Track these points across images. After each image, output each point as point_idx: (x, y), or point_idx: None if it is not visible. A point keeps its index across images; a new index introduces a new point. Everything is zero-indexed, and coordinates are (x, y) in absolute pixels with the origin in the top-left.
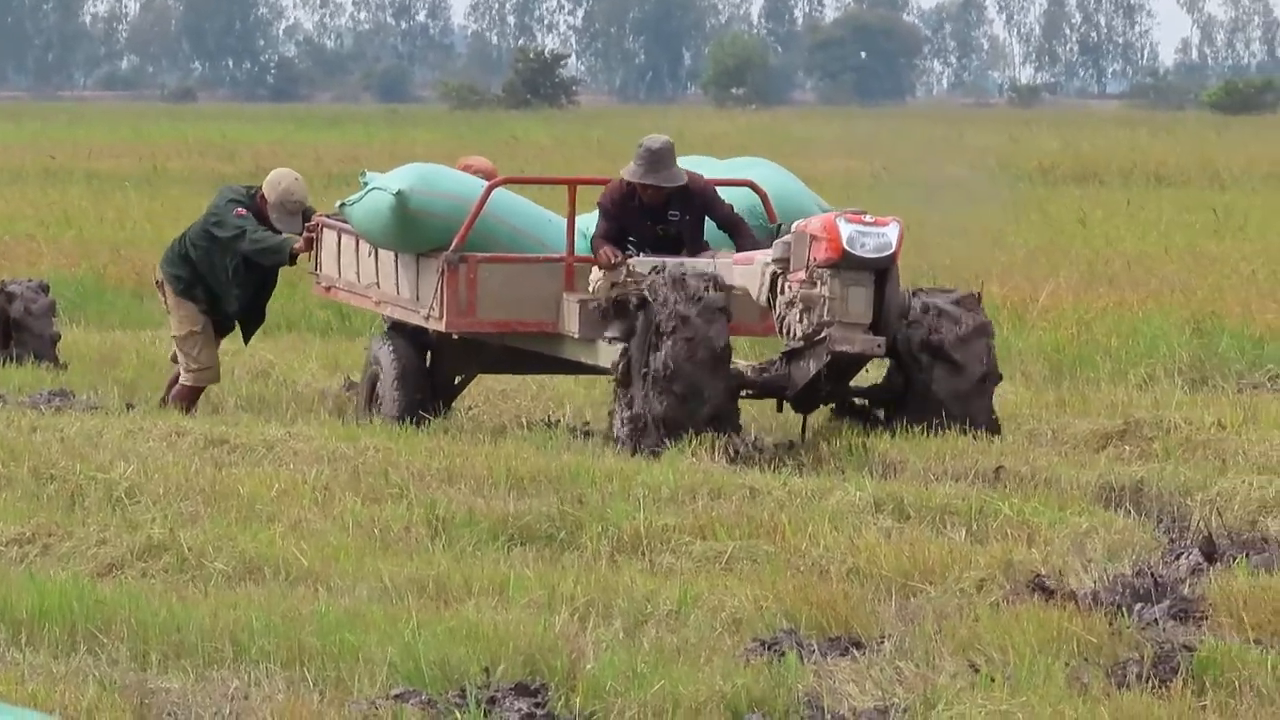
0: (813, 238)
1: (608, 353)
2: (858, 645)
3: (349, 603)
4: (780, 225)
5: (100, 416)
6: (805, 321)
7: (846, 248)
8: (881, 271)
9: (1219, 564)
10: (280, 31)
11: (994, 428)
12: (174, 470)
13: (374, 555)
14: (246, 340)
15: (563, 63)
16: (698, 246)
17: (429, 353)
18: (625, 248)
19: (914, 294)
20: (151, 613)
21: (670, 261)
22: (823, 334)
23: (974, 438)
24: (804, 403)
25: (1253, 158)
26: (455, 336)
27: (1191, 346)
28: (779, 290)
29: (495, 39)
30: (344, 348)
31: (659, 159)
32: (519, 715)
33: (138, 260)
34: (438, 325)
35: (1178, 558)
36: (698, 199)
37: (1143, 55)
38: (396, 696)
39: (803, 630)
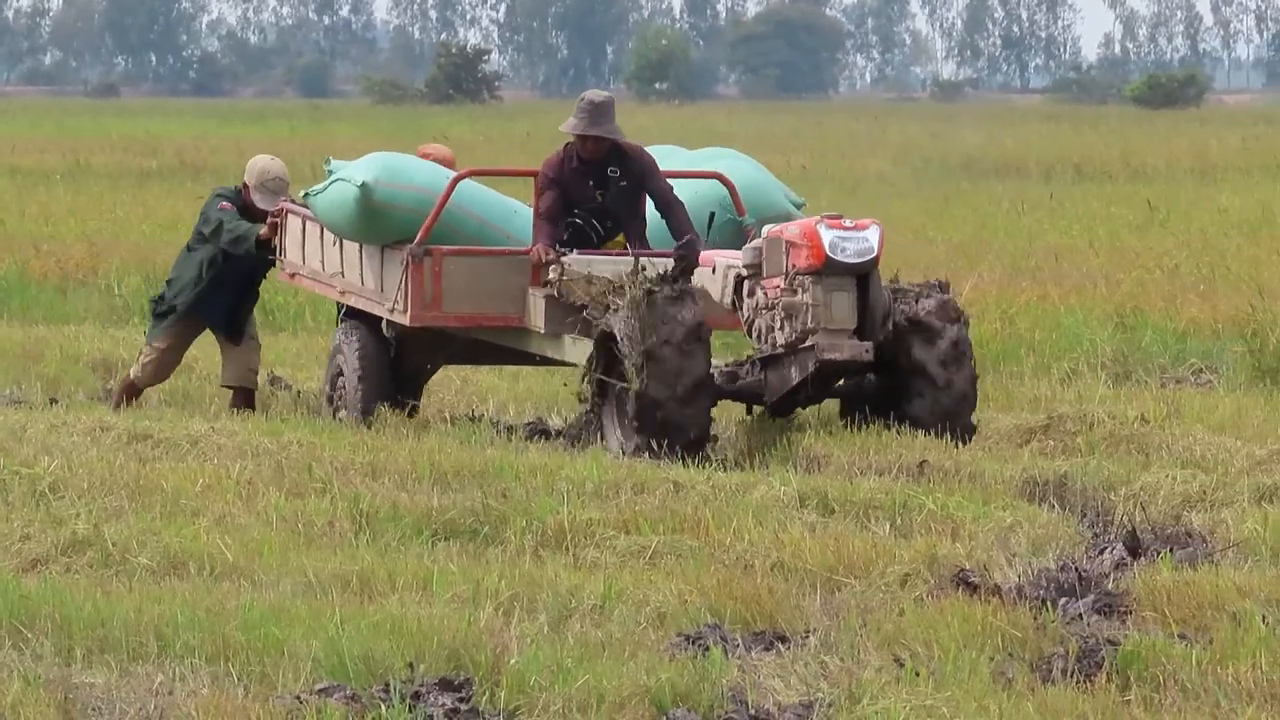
0: (791, 244)
1: (575, 349)
2: (782, 640)
3: (273, 597)
4: (748, 221)
5: (24, 411)
6: (788, 329)
7: (829, 254)
8: (863, 275)
9: (1143, 558)
10: (203, 26)
11: (970, 427)
12: (98, 465)
13: (298, 550)
14: (238, 341)
15: (485, 58)
16: (636, 222)
17: (393, 344)
18: (568, 222)
19: (892, 298)
20: (76, 608)
21: (605, 263)
22: (807, 341)
23: (897, 432)
24: (782, 409)
25: (1175, 152)
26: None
27: (1115, 341)
28: (745, 294)
29: (418, 34)
30: (268, 342)
31: (601, 111)
32: (443, 710)
33: (61, 255)
34: (402, 319)
35: (1102, 552)
36: (636, 164)
37: (1065, 49)
38: (321, 691)
39: (727, 625)
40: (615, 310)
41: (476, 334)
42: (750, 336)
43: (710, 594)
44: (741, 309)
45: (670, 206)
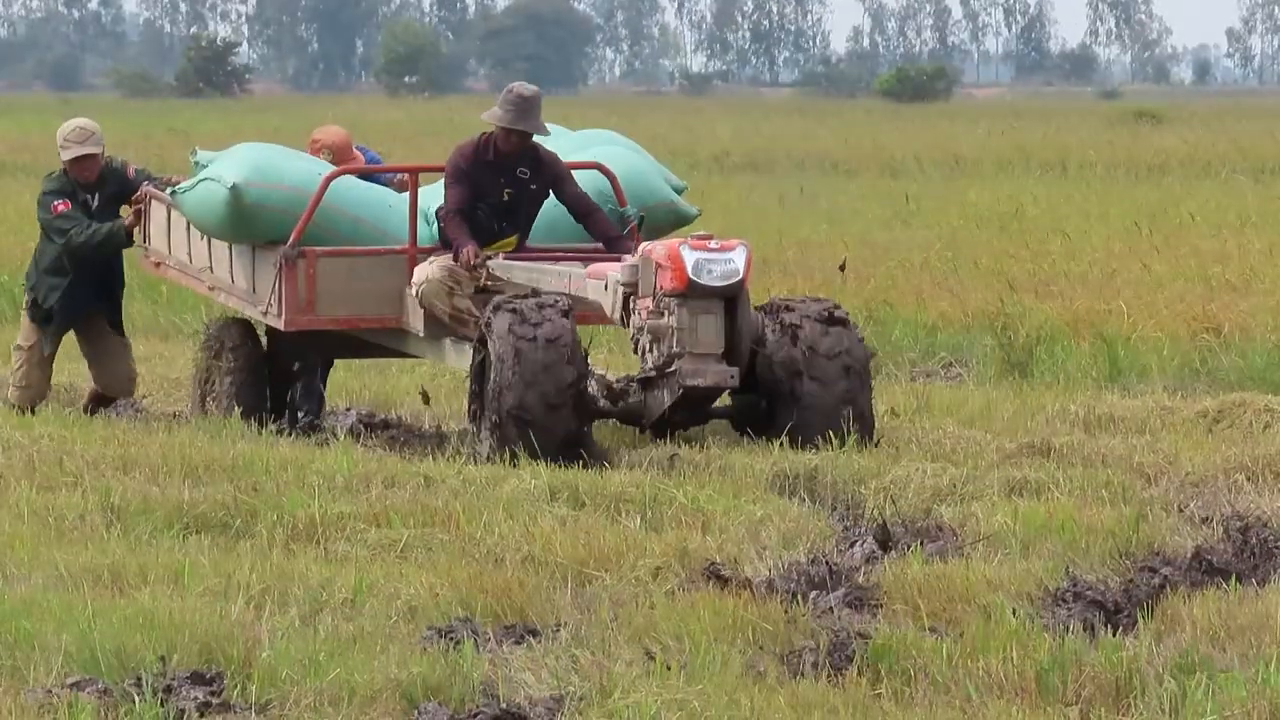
0: (658, 265)
1: (455, 353)
2: (533, 633)
3: (25, 591)
4: (629, 211)
5: None
6: (655, 352)
7: (693, 277)
8: (731, 299)
9: (893, 552)
10: None
11: (870, 431)
12: None
13: (49, 544)
14: (121, 330)
15: (235, 51)
16: (527, 226)
17: (266, 339)
18: (476, 214)
19: (772, 310)
20: None
21: (524, 269)
22: (672, 366)
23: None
24: (663, 430)
25: (925, 145)
26: None
27: (865, 334)
28: (631, 311)
29: (168, 27)
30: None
31: (529, 106)
32: (195, 703)
33: None
34: (276, 323)
35: (852, 545)
36: (549, 170)
37: (814, 43)
38: (73, 685)
39: (478, 618)
40: (487, 324)
41: (355, 333)
42: (636, 354)
43: (461, 587)
44: (629, 326)
45: (591, 212)
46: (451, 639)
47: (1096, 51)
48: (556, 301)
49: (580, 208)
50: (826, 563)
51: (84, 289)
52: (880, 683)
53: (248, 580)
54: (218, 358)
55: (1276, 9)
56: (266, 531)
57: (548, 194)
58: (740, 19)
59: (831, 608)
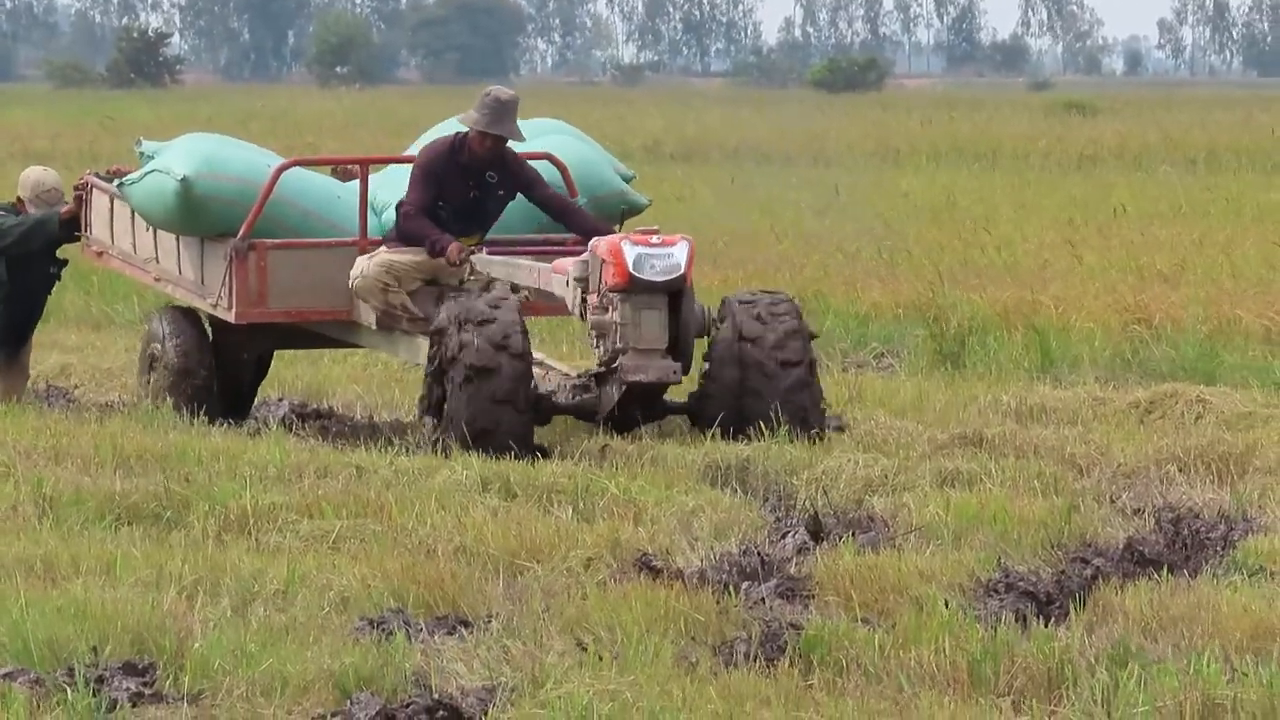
0: (602, 261)
1: (407, 346)
2: (465, 624)
3: None
4: (580, 202)
5: None
6: (601, 348)
7: (634, 272)
8: (675, 293)
9: (825, 543)
10: None
11: (820, 421)
12: None
13: None
14: (21, 350)
15: (166, 41)
16: (490, 226)
17: (212, 329)
18: (439, 214)
19: (721, 305)
20: None
21: (502, 264)
22: (615, 362)
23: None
24: (620, 425)
25: (857, 136)
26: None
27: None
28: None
29: (99, 17)
30: None
31: (506, 111)
32: (127, 694)
33: None
34: (227, 315)
35: (784, 536)
36: (517, 175)
37: (746, 34)
38: (5, 675)
39: (410, 609)
40: (439, 321)
41: (306, 325)
42: (594, 349)
43: (393, 578)
44: (587, 320)
45: (568, 210)
46: (384, 630)
47: (1028, 43)
48: (506, 299)
49: (555, 207)
50: (758, 553)
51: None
52: (812, 673)
53: (180, 571)
54: (163, 347)
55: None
56: (199, 522)
57: (514, 196)
58: (672, 9)
59: (764, 598)
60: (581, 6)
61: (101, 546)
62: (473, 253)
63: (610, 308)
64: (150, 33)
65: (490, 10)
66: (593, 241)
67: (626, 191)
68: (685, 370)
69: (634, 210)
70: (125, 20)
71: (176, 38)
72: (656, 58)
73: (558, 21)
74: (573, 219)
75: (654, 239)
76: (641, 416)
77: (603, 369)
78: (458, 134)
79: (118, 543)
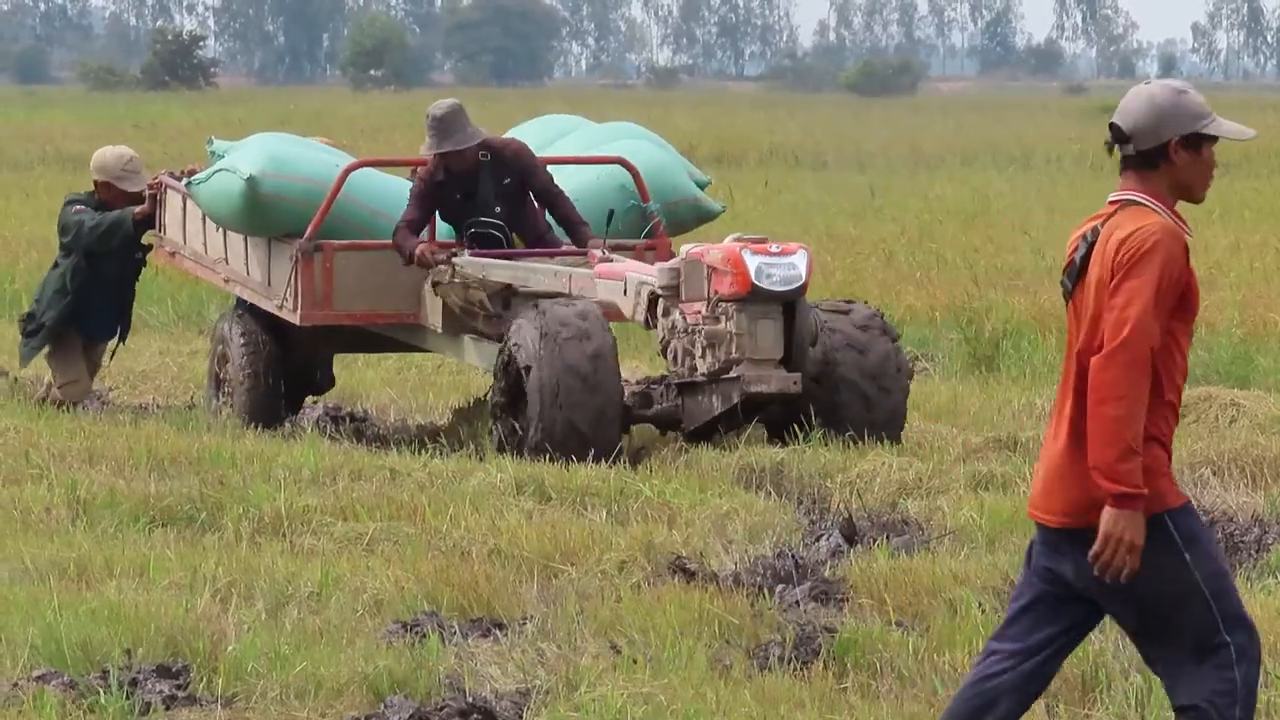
0: (713, 269)
1: (475, 350)
2: (499, 627)
3: None
4: (653, 207)
5: None
6: (710, 358)
7: (755, 282)
8: (790, 303)
9: (859, 546)
10: None
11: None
12: None
13: (15, 537)
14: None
15: (201, 44)
16: (533, 224)
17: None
18: (469, 224)
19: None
20: None
21: (505, 267)
22: (731, 372)
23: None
24: (701, 435)
25: (890, 139)
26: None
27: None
28: (660, 313)
29: (134, 20)
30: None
31: (447, 125)
32: (161, 697)
33: None
34: (292, 317)
35: (818, 539)
36: (514, 164)
37: (781, 37)
38: (39, 678)
39: (444, 612)
40: (518, 329)
41: (373, 328)
42: (665, 357)
43: (427, 581)
44: (656, 329)
45: (555, 200)
46: (417, 632)
47: (1063, 46)
48: (592, 309)
49: (545, 197)
50: (792, 556)
51: (84, 315)
52: (846, 676)
53: (214, 573)
54: (233, 351)
55: (1242, 5)
56: (233, 525)
57: (521, 184)
58: (707, 13)
59: (797, 601)
60: (616, 9)
61: (135, 549)
62: (453, 255)
63: (724, 317)
64: (185, 35)
65: (525, 13)
66: (687, 248)
67: (700, 198)
68: (801, 383)
69: (707, 217)
70: (160, 23)
71: (211, 40)
72: (691, 61)
73: (592, 25)
74: (559, 209)
75: (773, 247)
76: (727, 427)
77: (703, 378)
78: (437, 154)
79: (152, 545)
